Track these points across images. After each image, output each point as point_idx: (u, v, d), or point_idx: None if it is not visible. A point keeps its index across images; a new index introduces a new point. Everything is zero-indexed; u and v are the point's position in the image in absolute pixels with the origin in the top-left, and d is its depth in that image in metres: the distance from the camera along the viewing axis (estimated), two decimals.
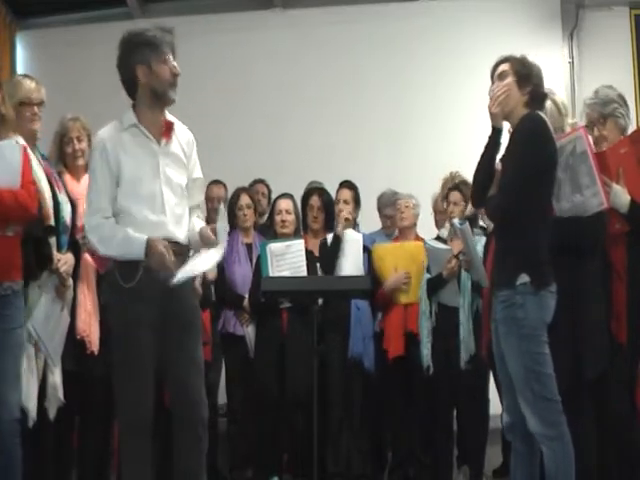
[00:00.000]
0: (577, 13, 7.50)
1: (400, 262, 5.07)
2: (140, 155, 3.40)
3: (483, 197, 3.33)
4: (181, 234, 3.42)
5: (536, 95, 3.25)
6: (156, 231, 3.32)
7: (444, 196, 5.14)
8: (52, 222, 3.71)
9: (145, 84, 3.39)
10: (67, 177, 4.13)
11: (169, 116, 3.48)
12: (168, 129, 3.44)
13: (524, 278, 3.12)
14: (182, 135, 3.51)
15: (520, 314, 3.11)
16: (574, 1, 7.47)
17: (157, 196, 3.37)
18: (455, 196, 5.00)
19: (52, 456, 3.87)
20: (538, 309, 3.13)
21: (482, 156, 3.33)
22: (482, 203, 3.40)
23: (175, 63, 3.40)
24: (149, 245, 3.27)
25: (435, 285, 4.90)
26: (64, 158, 4.20)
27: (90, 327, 3.98)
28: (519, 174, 3.12)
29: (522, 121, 3.21)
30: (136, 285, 3.31)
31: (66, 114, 4.29)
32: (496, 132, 3.30)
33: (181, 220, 3.43)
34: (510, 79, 3.26)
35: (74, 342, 3.91)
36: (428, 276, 4.94)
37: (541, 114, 3.23)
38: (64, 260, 3.74)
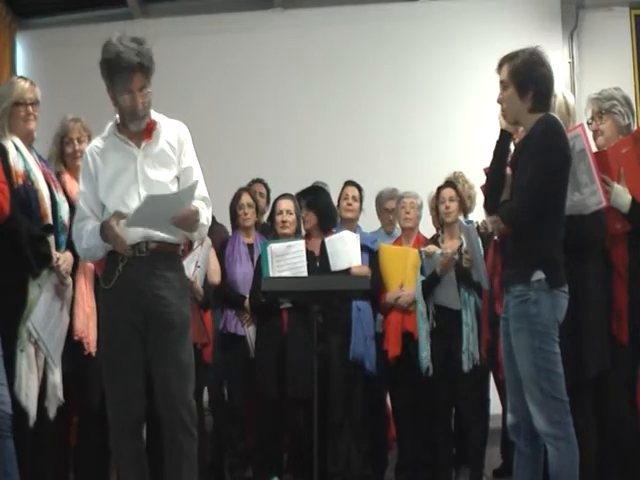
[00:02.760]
0: (577, 13, 7.50)
1: (407, 277, 5.05)
2: (118, 160, 3.41)
3: (497, 203, 3.33)
4: (166, 234, 3.37)
5: (539, 98, 3.23)
6: (134, 232, 3.31)
7: (436, 194, 5.12)
8: (50, 221, 3.72)
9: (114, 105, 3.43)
10: (67, 177, 4.12)
11: (154, 115, 3.46)
12: (149, 130, 3.43)
13: (539, 275, 3.12)
14: (170, 131, 3.48)
15: (533, 310, 3.11)
16: (574, 1, 7.48)
17: (134, 199, 3.36)
18: (449, 192, 4.98)
19: (52, 456, 3.87)
20: (551, 307, 3.13)
21: (493, 162, 3.33)
22: (496, 209, 3.38)
23: (138, 94, 3.30)
24: (102, 231, 3.32)
25: (430, 285, 4.87)
26: (64, 158, 4.20)
27: (88, 328, 3.98)
28: (538, 176, 3.12)
29: (537, 124, 3.20)
30: (114, 287, 3.34)
31: (67, 115, 4.28)
32: (505, 136, 3.30)
33: None
34: (510, 90, 3.24)
35: (71, 343, 3.91)
36: (422, 278, 4.92)
37: (554, 115, 3.23)
38: (63, 258, 3.75)
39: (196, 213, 3.34)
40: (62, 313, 3.79)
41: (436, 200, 5.10)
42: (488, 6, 7.45)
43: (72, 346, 3.91)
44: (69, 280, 3.81)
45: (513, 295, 3.20)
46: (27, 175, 3.70)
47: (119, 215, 3.28)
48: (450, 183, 5.05)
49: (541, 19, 7.35)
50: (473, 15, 7.44)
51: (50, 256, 3.68)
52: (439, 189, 5.06)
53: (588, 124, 3.81)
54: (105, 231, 3.30)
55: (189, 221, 3.34)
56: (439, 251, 4.90)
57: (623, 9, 7.51)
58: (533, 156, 3.16)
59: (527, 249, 3.18)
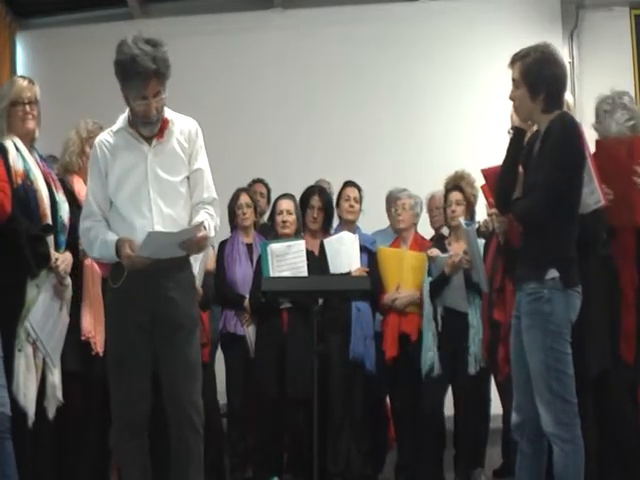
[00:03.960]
0: (577, 13, 7.50)
1: (404, 278, 5.05)
2: (128, 158, 3.41)
3: (509, 202, 3.32)
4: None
5: (551, 98, 3.22)
6: (143, 233, 3.30)
7: (444, 196, 5.12)
8: (49, 221, 3.71)
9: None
10: (75, 178, 4.12)
11: (167, 113, 3.45)
12: (161, 129, 3.41)
13: (553, 273, 3.11)
14: (182, 129, 3.46)
15: (547, 308, 3.10)
16: (574, 1, 7.48)
17: (144, 198, 3.37)
18: (456, 196, 4.96)
19: (51, 456, 3.87)
20: (565, 306, 3.12)
21: (506, 160, 3.32)
22: (509, 208, 3.37)
23: (152, 100, 3.28)
24: (116, 248, 3.32)
25: (439, 285, 4.85)
26: (82, 156, 4.18)
27: (95, 328, 3.98)
28: (554, 174, 3.11)
29: (552, 123, 3.19)
30: (122, 286, 3.34)
31: (95, 121, 4.24)
32: (519, 133, 3.29)
33: (175, 221, 3.39)
34: (522, 90, 3.23)
35: (79, 343, 3.91)
36: (430, 279, 4.90)
37: (570, 113, 3.23)
38: (62, 259, 3.74)
39: (205, 239, 3.35)
40: (61, 313, 3.78)
41: (444, 202, 5.09)
42: (488, 6, 7.44)
43: (80, 345, 3.91)
44: (68, 280, 3.80)
45: (526, 293, 3.18)
46: (26, 175, 3.69)
47: (130, 243, 3.30)
48: (457, 186, 5.03)
49: (541, 19, 7.34)
50: (473, 15, 7.44)
51: (49, 256, 3.68)
52: (447, 192, 5.05)
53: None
54: (121, 252, 3.31)
55: (198, 246, 3.38)
56: (442, 255, 4.88)
57: (623, 9, 7.51)
58: (549, 154, 3.15)
59: (541, 247, 3.17)
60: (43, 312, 3.65)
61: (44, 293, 3.67)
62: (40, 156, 3.88)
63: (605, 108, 3.83)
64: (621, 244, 3.62)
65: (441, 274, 4.83)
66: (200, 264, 4.67)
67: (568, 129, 3.17)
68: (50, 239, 3.72)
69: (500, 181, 3.37)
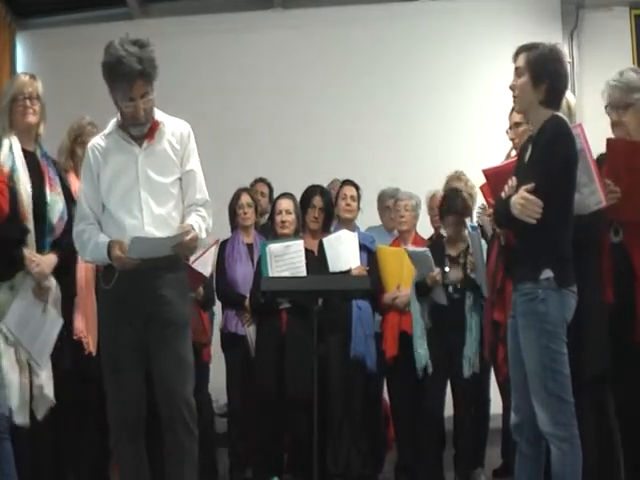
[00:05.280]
0: (577, 13, 7.51)
1: (404, 278, 5.04)
2: (119, 160, 3.42)
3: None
4: (165, 234, 3.38)
5: (552, 93, 3.22)
6: (133, 233, 3.32)
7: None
8: (30, 223, 3.60)
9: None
10: (72, 177, 4.12)
11: (158, 115, 3.46)
12: (152, 130, 3.43)
13: (548, 273, 3.11)
14: (173, 131, 3.48)
15: (541, 308, 3.10)
16: (574, 1, 7.49)
17: (135, 199, 3.38)
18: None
19: (50, 456, 3.87)
20: (560, 306, 3.12)
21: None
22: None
23: (139, 101, 3.30)
24: (108, 249, 3.34)
25: (423, 290, 4.85)
26: (73, 157, 4.20)
27: (88, 328, 3.96)
28: (545, 180, 3.11)
29: (546, 124, 3.19)
30: (114, 287, 3.36)
31: (85, 115, 4.30)
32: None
33: (166, 221, 3.41)
34: (525, 78, 3.23)
35: (72, 342, 3.89)
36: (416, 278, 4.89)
37: (561, 116, 3.22)
38: (38, 261, 3.58)
39: (195, 240, 3.38)
40: (46, 314, 3.64)
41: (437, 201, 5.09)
42: (487, 6, 7.45)
43: (74, 345, 3.89)
44: (48, 283, 3.65)
45: (521, 293, 3.19)
46: (10, 176, 3.58)
47: (120, 245, 3.31)
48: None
49: (541, 19, 7.35)
50: (473, 15, 7.45)
51: (22, 259, 3.53)
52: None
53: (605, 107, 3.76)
54: (111, 254, 3.33)
55: (189, 248, 3.42)
56: (416, 249, 4.85)
57: (623, 9, 7.52)
58: (540, 157, 3.15)
59: (536, 248, 3.18)
60: (20, 315, 3.53)
61: (21, 296, 3.54)
62: (44, 154, 3.85)
63: None
64: (633, 230, 3.59)
65: (423, 282, 4.80)
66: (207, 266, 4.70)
67: (559, 131, 3.16)
68: (32, 241, 3.61)
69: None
